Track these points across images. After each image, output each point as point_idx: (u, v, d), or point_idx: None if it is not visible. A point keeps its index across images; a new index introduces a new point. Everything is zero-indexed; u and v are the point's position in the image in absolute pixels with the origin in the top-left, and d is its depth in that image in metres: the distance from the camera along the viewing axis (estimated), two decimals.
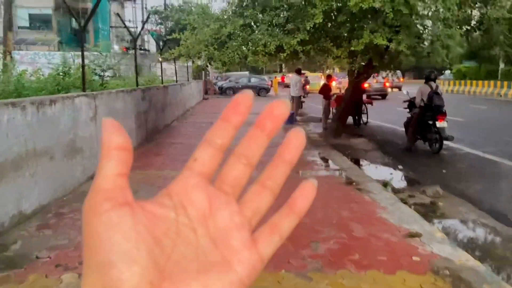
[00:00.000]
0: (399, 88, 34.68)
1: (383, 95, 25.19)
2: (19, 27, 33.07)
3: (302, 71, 21.33)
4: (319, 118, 14.72)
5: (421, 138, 8.82)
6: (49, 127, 4.48)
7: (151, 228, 0.26)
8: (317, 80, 33.95)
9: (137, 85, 8.42)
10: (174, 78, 17.37)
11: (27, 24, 32.57)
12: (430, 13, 6.07)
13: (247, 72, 37.84)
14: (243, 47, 6.69)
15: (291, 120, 12.19)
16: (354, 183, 5.59)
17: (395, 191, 5.75)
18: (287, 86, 35.32)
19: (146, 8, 37.19)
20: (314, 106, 17.87)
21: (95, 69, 9.24)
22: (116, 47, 32.71)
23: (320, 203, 4.66)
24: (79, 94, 5.36)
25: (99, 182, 0.26)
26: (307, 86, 23.18)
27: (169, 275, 0.25)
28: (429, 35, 6.69)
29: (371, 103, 12.93)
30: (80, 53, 9.85)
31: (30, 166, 4.05)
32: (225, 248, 0.28)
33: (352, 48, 5.96)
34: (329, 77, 13.14)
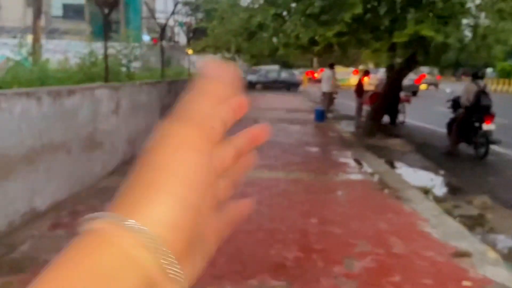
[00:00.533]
0: (436, 86, 33.24)
1: (414, 92, 24.27)
2: (53, 17, 33.78)
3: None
4: (351, 116, 14.15)
5: (465, 141, 8.16)
6: (66, 119, 4.24)
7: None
8: (347, 76, 33.18)
9: (163, 77, 8.18)
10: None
11: (61, 14, 33.13)
12: (482, 3, 5.46)
13: (277, 66, 37.30)
14: (274, 38, 6.28)
15: (322, 117, 11.70)
16: (391, 190, 5.10)
17: (437, 200, 5.21)
18: (318, 81, 34.70)
19: None
20: (346, 103, 17.24)
21: (121, 60, 9.04)
22: (147, 38, 32.90)
23: (354, 212, 4.22)
24: (100, 86, 5.12)
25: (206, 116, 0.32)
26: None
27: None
28: (480, 27, 6.06)
29: (409, 101, 12.23)
30: (112, 43, 9.74)
31: (44, 160, 3.81)
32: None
33: (394, 40, 5.44)
34: (366, 73, 12.48)
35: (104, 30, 6.09)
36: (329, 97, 12.22)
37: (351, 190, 5.06)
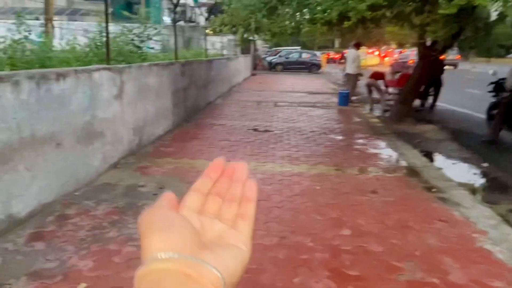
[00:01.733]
0: (455, 66, 31.35)
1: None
2: None
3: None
4: (376, 99, 13.22)
5: (508, 128, 7.27)
6: (55, 107, 3.62)
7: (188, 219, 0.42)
8: (363, 56, 31.72)
9: (176, 58, 7.51)
10: (223, 52, 16.42)
11: None
12: None
13: (298, 47, 36.10)
14: (297, 14, 5.50)
15: (346, 101, 10.86)
16: (434, 190, 4.35)
17: (488, 201, 4.44)
18: (340, 62, 33.37)
19: None
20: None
21: (132, 40, 8.39)
22: (167, 19, 32.21)
23: (393, 220, 3.51)
24: (99, 67, 4.48)
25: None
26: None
27: (205, 246, 0.39)
28: None
29: (442, 84, 11.22)
30: (132, 24, 9.09)
31: (25, 157, 3.22)
32: (228, 239, 0.42)
33: (440, 13, 4.59)
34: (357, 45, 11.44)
35: (105, 4, 5.42)
36: (354, 79, 11.33)
37: (386, 189, 4.33)
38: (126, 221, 3.33)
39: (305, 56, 28.90)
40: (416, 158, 5.62)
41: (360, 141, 6.73)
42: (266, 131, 7.38)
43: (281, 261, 2.78)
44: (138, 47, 8.64)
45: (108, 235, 3.08)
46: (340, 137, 7.01)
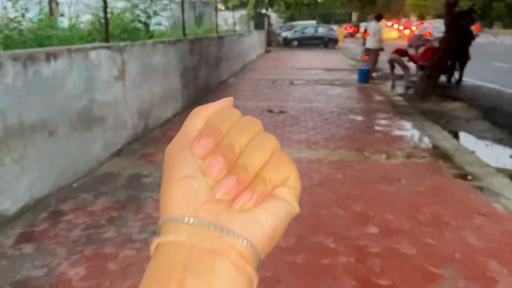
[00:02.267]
0: (473, 38, 29.77)
1: None
2: None
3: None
4: (399, 75, 12.55)
5: None
6: (46, 91, 3.27)
7: None
8: (383, 30, 30.92)
9: (184, 34, 7.06)
10: (236, 28, 15.81)
11: None
12: None
13: (314, 21, 34.97)
14: None
15: (366, 78, 10.27)
16: (469, 177, 3.89)
17: None
18: (352, 36, 32.12)
19: None
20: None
21: (138, 16, 7.95)
22: None
23: (427, 214, 3.09)
24: (95, 46, 4.09)
25: (183, 131, 0.33)
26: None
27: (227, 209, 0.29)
28: None
29: (469, 58, 10.50)
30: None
31: (12, 148, 2.89)
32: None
33: None
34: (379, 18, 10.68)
35: None
36: (375, 55, 10.69)
37: (416, 177, 3.89)
38: (126, 218, 3.00)
39: (322, 30, 27.92)
40: (446, 140, 5.12)
41: (383, 121, 6.24)
42: (281, 112, 6.94)
43: (299, 268, 2.41)
44: (145, 23, 8.22)
45: (105, 236, 2.75)
46: (361, 118, 6.52)
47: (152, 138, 5.16)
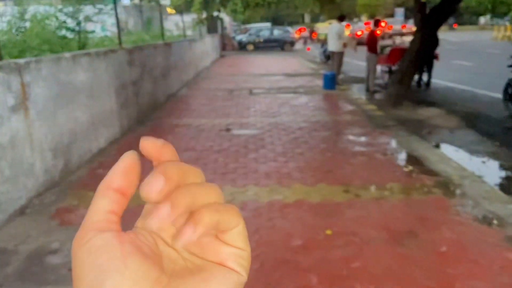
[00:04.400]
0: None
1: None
2: None
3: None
4: (361, 77, 11.85)
5: None
6: None
7: (138, 246, 0.25)
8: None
9: (120, 43, 5.82)
10: (190, 32, 14.57)
11: None
12: None
13: (268, 24, 34.21)
14: None
15: (332, 84, 9.41)
16: (494, 222, 2.97)
17: None
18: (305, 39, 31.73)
19: None
20: (347, 61, 14.97)
21: (64, 22, 6.60)
22: (125, 0, 29.74)
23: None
24: None
25: (89, 217, 0.26)
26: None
27: (167, 284, 0.25)
28: None
29: (437, 58, 9.92)
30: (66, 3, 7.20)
31: None
32: (206, 254, 0.28)
33: None
34: (377, 22, 10.00)
35: None
36: (339, 58, 9.86)
37: (428, 227, 2.93)
38: None
39: (277, 33, 27.19)
40: (444, 163, 4.24)
41: (363, 139, 5.31)
42: (242, 130, 5.86)
43: None
44: (74, 30, 6.89)
45: None
46: (337, 135, 5.56)
47: (74, 182, 3.90)
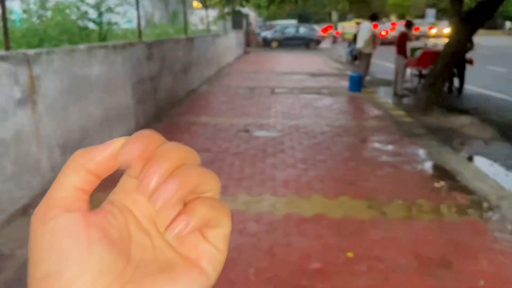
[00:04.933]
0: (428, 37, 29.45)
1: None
2: None
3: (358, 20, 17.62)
4: (389, 80, 11.40)
5: None
6: None
7: (106, 232, 0.23)
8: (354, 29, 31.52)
9: (140, 37, 5.63)
10: (214, 28, 14.36)
11: None
12: None
13: (295, 21, 33.76)
14: None
15: (358, 86, 9.03)
16: None
17: None
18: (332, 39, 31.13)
19: None
20: (375, 62, 14.47)
21: (85, 13, 6.47)
22: None
23: None
24: None
25: (54, 191, 0.24)
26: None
27: (131, 279, 0.24)
28: None
29: (472, 63, 9.40)
30: None
31: None
32: (181, 246, 0.26)
33: None
34: (409, 24, 9.55)
35: None
36: (368, 59, 9.47)
37: (462, 255, 2.60)
38: None
39: (303, 30, 26.75)
40: (479, 180, 3.88)
41: (390, 147, 4.96)
42: (261, 132, 5.61)
43: None
44: (95, 21, 6.75)
45: None
46: (361, 142, 5.23)
47: None
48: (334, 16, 62.36)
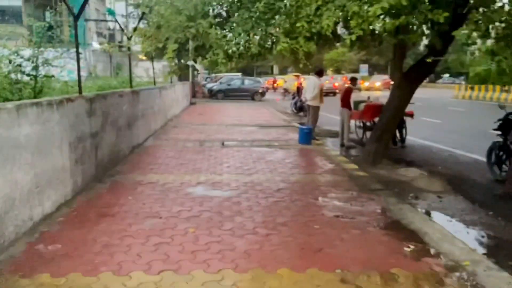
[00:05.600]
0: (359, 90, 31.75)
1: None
2: None
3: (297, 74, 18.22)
4: (333, 131, 11.63)
5: None
6: None
7: None
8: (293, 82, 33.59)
9: (80, 91, 5.17)
10: (161, 79, 14.05)
11: None
12: None
13: (239, 74, 34.57)
14: (271, 21, 3.45)
15: (308, 139, 9.03)
16: None
17: None
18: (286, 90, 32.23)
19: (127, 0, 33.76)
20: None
21: (19, 65, 5.90)
22: (95, 45, 29.35)
23: None
24: None
25: None
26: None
27: None
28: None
29: (412, 116, 9.83)
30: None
31: None
32: None
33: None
34: (354, 80, 9.97)
35: None
36: (316, 112, 9.58)
37: None
38: None
39: (248, 83, 27.37)
40: (448, 241, 3.73)
41: (351, 206, 4.76)
42: (215, 191, 5.21)
43: None
44: (29, 75, 6.18)
45: None
46: (321, 200, 5.00)
47: (3, 263, 3.07)
48: (276, 69, 65.05)
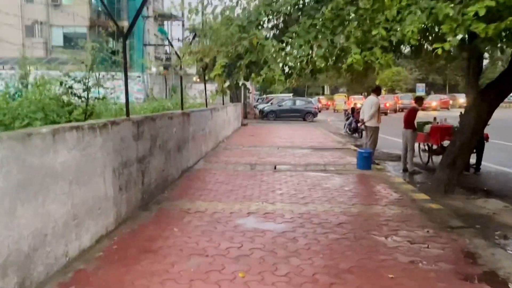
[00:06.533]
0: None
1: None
2: (53, 46, 33.02)
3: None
4: (393, 154, 10.74)
5: None
6: None
7: None
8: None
9: (128, 114, 4.92)
10: (209, 101, 13.95)
11: (61, 43, 32.56)
12: None
13: (290, 94, 34.21)
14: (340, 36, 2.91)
15: (368, 164, 8.26)
16: None
17: None
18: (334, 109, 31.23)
19: (184, 25, 34.82)
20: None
21: (70, 87, 5.81)
22: (153, 68, 30.48)
23: None
24: None
25: None
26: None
27: None
28: None
29: (487, 138, 8.77)
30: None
31: None
32: None
33: None
34: (419, 100, 9.14)
35: None
36: (375, 133, 8.82)
37: None
38: None
39: (300, 103, 26.90)
40: None
41: (431, 250, 4.00)
42: (268, 224, 4.66)
43: None
44: (80, 97, 6.09)
45: None
46: (390, 240, 4.27)
47: None
48: (327, 89, 64.01)
